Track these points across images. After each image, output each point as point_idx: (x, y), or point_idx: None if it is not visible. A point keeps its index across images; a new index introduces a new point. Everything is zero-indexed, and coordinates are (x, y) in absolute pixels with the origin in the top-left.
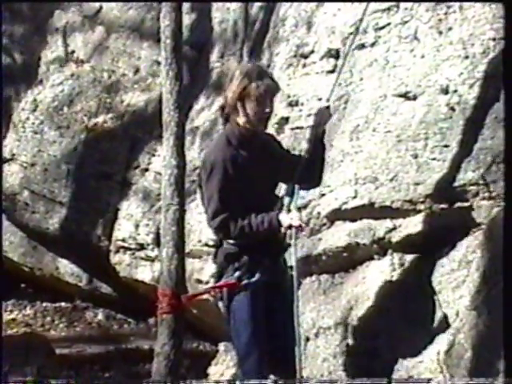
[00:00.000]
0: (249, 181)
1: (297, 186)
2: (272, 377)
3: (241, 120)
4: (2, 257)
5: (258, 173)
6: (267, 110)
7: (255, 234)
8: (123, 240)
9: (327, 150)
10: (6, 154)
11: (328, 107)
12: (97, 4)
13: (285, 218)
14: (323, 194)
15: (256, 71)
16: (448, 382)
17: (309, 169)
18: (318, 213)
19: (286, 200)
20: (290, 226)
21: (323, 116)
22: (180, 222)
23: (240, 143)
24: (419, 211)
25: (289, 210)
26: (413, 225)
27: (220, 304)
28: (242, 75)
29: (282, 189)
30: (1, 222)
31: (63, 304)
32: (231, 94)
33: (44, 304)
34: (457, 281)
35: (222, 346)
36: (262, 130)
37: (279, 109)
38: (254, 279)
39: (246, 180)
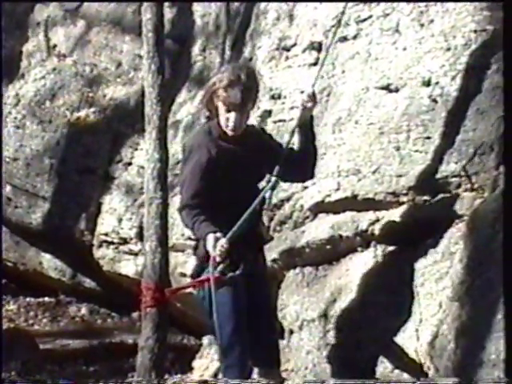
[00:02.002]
0: (225, 172)
1: (273, 179)
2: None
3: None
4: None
5: (237, 166)
6: (231, 123)
7: (195, 236)
8: (106, 234)
9: None
10: None
11: (313, 93)
12: None
13: (209, 242)
14: (306, 187)
15: (229, 78)
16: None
17: (300, 161)
18: (301, 205)
19: (268, 193)
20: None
21: (308, 103)
22: (163, 215)
23: (220, 136)
24: (402, 203)
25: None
26: (396, 217)
27: (200, 294)
28: (215, 78)
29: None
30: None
31: (46, 299)
32: (205, 92)
33: (27, 299)
34: (440, 272)
35: (206, 340)
36: (231, 134)
37: (262, 102)
38: (237, 273)
39: (222, 171)
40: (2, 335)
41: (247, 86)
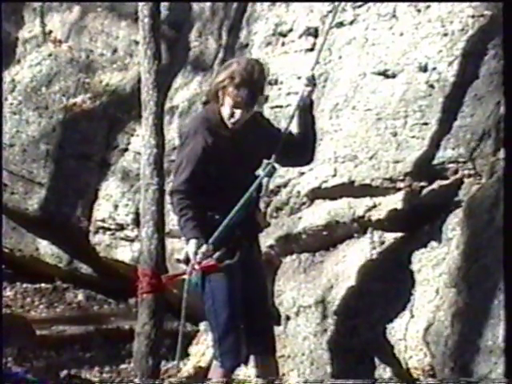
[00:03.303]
0: (221, 160)
1: (269, 166)
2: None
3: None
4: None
5: (234, 153)
6: (235, 119)
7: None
8: (103, 220)
9: None
10: None
11: (313, 77)
12: None
13: (190, 247)
14: (303, 173)
15: (241, 76)
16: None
17: (300, 145)
18: (298, 191)
19: (265, 180)
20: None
21: (308, 86)
22: (159, 201)
23: (219, 122)
24: (399, 189)
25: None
26: (393, 203)
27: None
28: (227, 74)
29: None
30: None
31: (43, 285)
32: (213, 85)
33: (24, 285)
34: (437, 258)
35: (202, 326)
36: (230, 127)
37: None
38: (233, 260)
39: (218, 159)
40: (2, 322)
41: (258, 85)
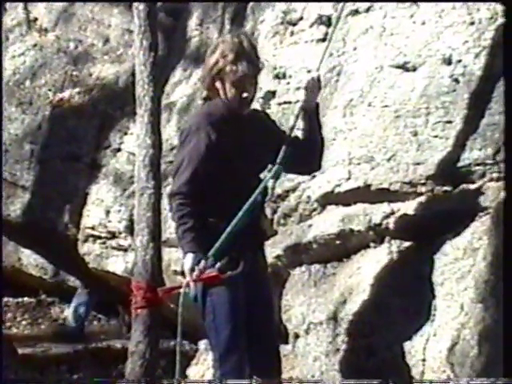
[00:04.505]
0: (225, 159)
1: (276, 167)
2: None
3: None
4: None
5: (239, 152)
6: (245, 94)
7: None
8: (93, 228)
9: None
10: None
11: (318, 78)
12: None
13: (187, 263)
14: (314, 176)
15: (233, 51)
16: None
17: (307, 152)
18: (308, 196)
19: (270, 182)
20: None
21: (313, 88)
22: (156, 207)
23: (223, 118)
24: (420, 194)
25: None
26: (413, 209)
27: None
28: (217, 55)
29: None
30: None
31: (26, 299)
32: (206, 73)
33: (5, 299)
34: (461, 271)
35: (202, 345)
36: (243, 111)
37: (265, 82)
38: (237, 271)
39: (222, 157)
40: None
41: (252, 54)
